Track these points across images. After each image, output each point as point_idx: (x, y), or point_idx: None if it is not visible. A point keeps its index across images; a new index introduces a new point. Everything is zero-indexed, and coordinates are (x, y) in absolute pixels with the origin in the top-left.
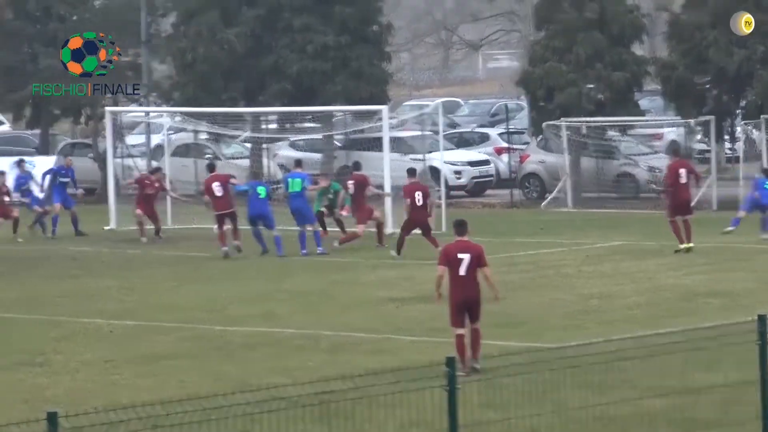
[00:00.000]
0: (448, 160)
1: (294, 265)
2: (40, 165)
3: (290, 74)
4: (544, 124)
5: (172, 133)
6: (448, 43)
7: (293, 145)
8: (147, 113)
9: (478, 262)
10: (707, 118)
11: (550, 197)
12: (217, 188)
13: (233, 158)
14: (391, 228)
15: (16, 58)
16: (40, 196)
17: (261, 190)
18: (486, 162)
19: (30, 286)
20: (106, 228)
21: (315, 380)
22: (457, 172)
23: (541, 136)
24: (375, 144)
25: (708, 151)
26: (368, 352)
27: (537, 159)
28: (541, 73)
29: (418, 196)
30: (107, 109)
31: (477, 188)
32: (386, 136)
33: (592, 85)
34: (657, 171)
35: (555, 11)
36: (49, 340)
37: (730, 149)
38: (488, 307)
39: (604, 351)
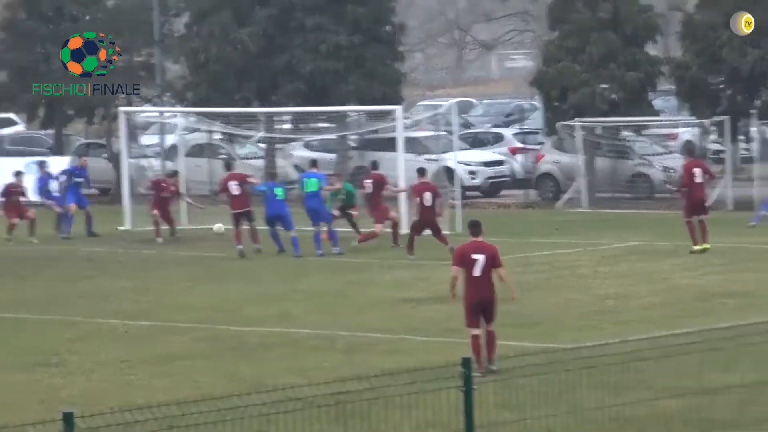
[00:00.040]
0: (462, 160)
1: (310, 266)
2: (54, 165)
3: (303, 74)
4: (558, 124)
5: (186, 134)
6: (461, 43)
7: (307, 146)
8: (161, 113)
9: (492, 262)
10: (721, 118)
11: (565, 197)
12: (234, 187)
13: (247, 158)
14: (406, 228)
15: (28, 58)
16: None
17: (278, 191)
18: (501, 162)
19: (45, 286)
20: (121, 228)
21: (331, 381)
22: (472, 173)
23: (555, 136)
24: (389, 144)
25: (723, 151)
26: (384, 353)
27: (552, 159)
28: (555, 73)
29: (427, 196)
30: (121, 109)
31: (492, 188)
32: (400, 136)
33: (605, 85)
34: (671, 171)
35: (568, 11)
36: (64, 341)
37: (745, 149)
38: (504, 308)
39: (620, 351)
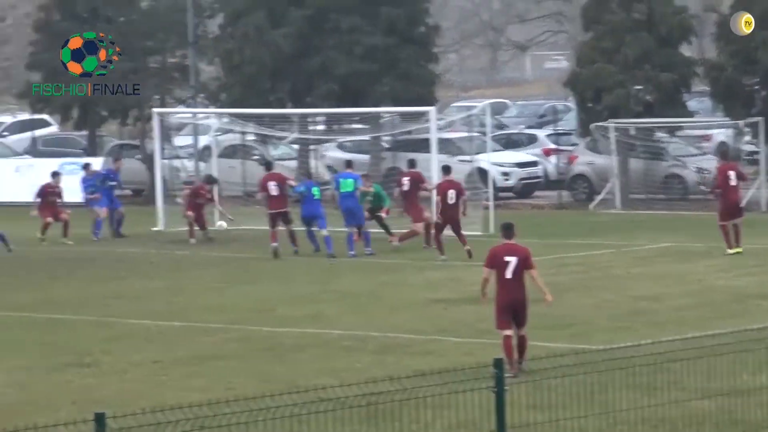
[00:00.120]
0: (495, 161)
1: (342, 266)
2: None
3: (338, 75)
4: (592, 126)
5: (219, 135)
6: (495, 44)
7: (341, 147)
8: (194, 114)
9: (524, 264)
10: (756, 119)
11: (598, 198)
12: (273, 187)
13: (281, 160)
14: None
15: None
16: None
17: (315, 191)
18: (534, 163)
19: (78, 287)
20: (154, 229)
21: (362, 381)
22: (505, 174)
23: (589, 138)
24: (422, 145)
25: (757, 152)
26: (416, 354)
27: (585, 160)
28: (589, 74)
29: (451, 194)
30: (155, 110)
31: (525, 190)
32: (434, 137)
33: (640, 87)
34: (705, 172)
35: (603, 12)
36: (97, 341)
37: None
38: (537, 309)
39: (652, 352)
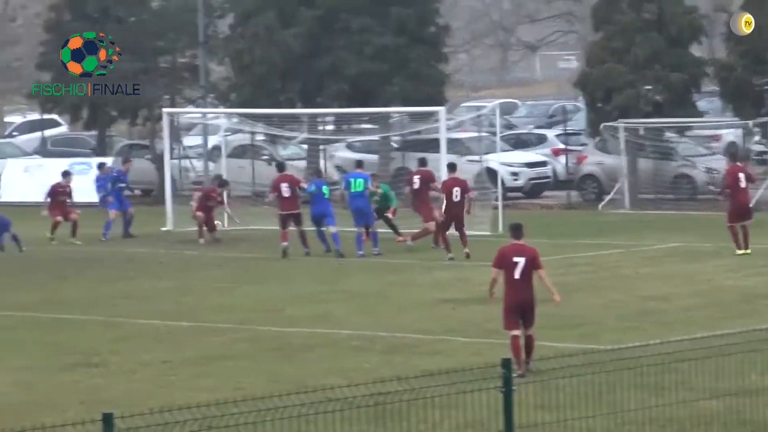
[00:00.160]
0: (505, 161)
1: (350, 266)
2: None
3: (348, 75)
4: (601, 126)
5: (228, 135)
6: (505, 44)
7: (350, 147)
8: (204, 114)
9: (533, 265)
10: (765, 119)
11: (607, 198)
12: (285, 189)
13: (290, 159)
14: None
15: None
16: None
17: (325, 190)
18: (543, 163)
19: (87, 287)
20: (163, 229)
21: (371, 381)
22: (514, 174)
23: (598, 138)
24: (432, 145)
25: (766, 152)
26: (424, 354)
27: (594, 160)
28: (599, 74)
29: (456, 191)
30: (164, 110)
31: (534, 189)
32: (443, 137)
33: (650, 87)
34: (715, 172)
35: (613, 12)
36: (105, 341)
37: None
38: (545, 309)
39: (660, 352)
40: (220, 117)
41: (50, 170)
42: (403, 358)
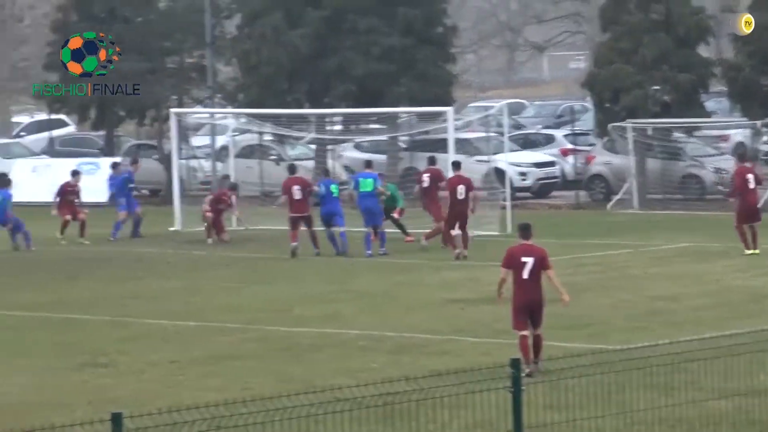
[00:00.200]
0: (513, 161)
1: (359, 266)
2: (105, 166)
3: (355, 76)
4: (609, 126)
5: (236, 135)
6: (513, 44)
7: (358, 147)
8: (212, 115)
9: (541, 265)
10: None
11: (615, 199)
12: (296, 191)
13: (298, 159)
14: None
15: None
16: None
17: (334, 189)
18: (551, 163)
19: (95, 287)
20: (171, 229)
21: (379, 381)
22: (523, 174)
23: (606, 138)
24: (440, 145)
25: None
26: (432, 354)
27: (603, 160)
28: (607, 74)
29: (461, 189)
30: (172, 110)
31: (542, 190)
32: (451, 137)
33: (657, 87)
34: (723, 173)
35: (620, 13)
36: (114, 341)
37: None
38: (554, 309)
39: (669, 353)
40: (227, 117)
41: (58, 170)
42: (412, 358)
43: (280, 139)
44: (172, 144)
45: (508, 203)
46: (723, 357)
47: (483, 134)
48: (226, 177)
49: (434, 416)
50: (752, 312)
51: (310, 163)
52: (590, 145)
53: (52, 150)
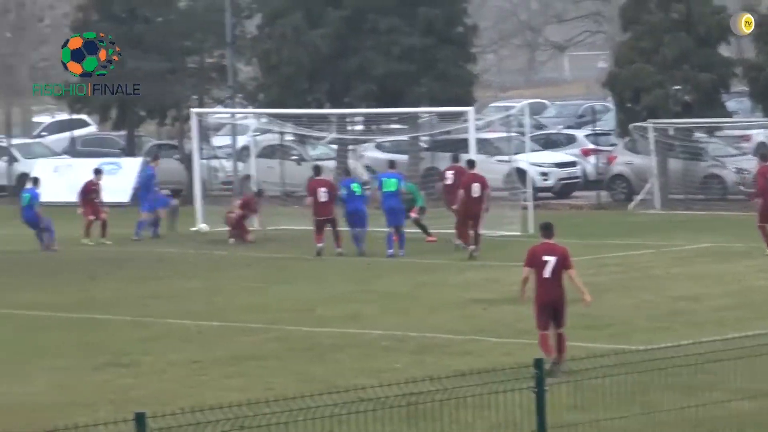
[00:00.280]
0: (534, 161)
1: (381, 266)
2: (126, 166)
3: (375, 76)
4: (631, 126)
5: (257, 135)
6: (533, 44)
7: (379, 147)
8: (232, 115)
9: (563, 264)
10: None
11: (637, 199)
12: (323, 193)
13: (319, 159)
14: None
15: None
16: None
17: (355, 187)
18: (573, 163)
19: (117, 287)
20: (192, 229)
21: (402, 382)
22: (544, 174)
23: (628, 138)
24: (461, 145)
25: None
26: (455, 354)
27: (624, 160)
28: (628, 74)
29: (476, 187)
30: (193, 110)
31: (564, 190)
32: (472, 137)
33: (678, 87)
34: (745, 173)
35: (641, 12)
36: (136, 341)
37: None
38: (576, 309)
39: (692, 353)
40: (248, 117)
41: (79, 170)
42: (434, 359)
43: (301, 139)
44: (193, 144)
45: (529, 203)
46: (746, 357)
47: (504, 134)
48: (248, 177)
49: (457, 416)
50: None
51: (332, 163)
52: (612, 145)
53: (74, 150)
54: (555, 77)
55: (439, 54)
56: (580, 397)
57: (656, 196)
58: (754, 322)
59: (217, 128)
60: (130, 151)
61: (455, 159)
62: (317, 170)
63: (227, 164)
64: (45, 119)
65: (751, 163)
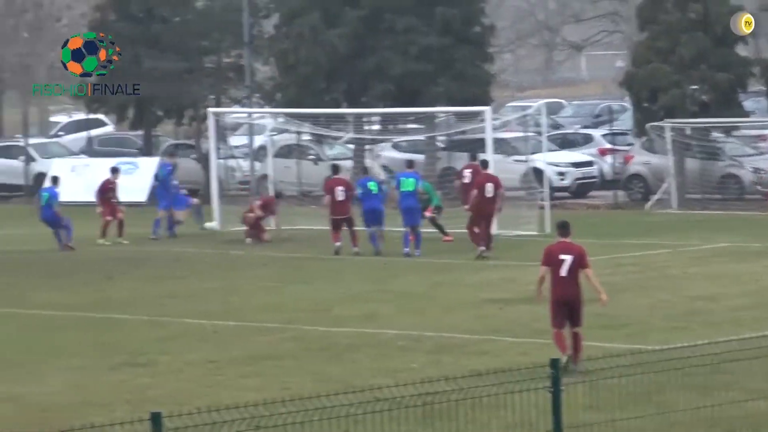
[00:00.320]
0: (551, 161)
1: (397, 266)
2: (144, 166)
3: (393, 76)
4: (648, 126)
5: (274, 134)
6: (551, 44)
7: (396, 147)
8: (249, 114)
9: (579, 263)
10: None
11: (654, 198)
12: (340, 192)
13: (336, 159)
14: (495, 229)
15: (118, 59)
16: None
17: (372, 186)
18: (590, 163)
19: (134, 286)
20: (206, 225)
21: (418, 381)
22: (561, 174)
23: (645, 137)
24: (478, 145)
25: None
26: (471, 354)
27: (641, 160)
28: (645, 74)
29: (489, 187)
30: (210, 110)
31: (581, 189)
32: (489, 137)
33: (696, 86)
34: (762, 172)
35: (658, 12)
36: (152, 341)
37: None
38: (592, 309)
39: (709, 353)
40: (265, 117)
41: (97, 170)
42: (451, 358)
43: (318, 139)
44: (210, 144)
45: (546, 203)
46: (763, 357)
47: (521, 134)
48: (265, 177)
49: (473, 416)
50: None
51: (349, 163)
52: (628, 144)
53: (91, 149)
54: (572, 77)
55: (456, 54)
56: (596, 396)
57: (673, 195)
58: None
59: (234, 128)
60: (147, 150)
61: (473, 157)
62: (335, 169)
63: (244, 164)
64: (62, 119)
65: None
